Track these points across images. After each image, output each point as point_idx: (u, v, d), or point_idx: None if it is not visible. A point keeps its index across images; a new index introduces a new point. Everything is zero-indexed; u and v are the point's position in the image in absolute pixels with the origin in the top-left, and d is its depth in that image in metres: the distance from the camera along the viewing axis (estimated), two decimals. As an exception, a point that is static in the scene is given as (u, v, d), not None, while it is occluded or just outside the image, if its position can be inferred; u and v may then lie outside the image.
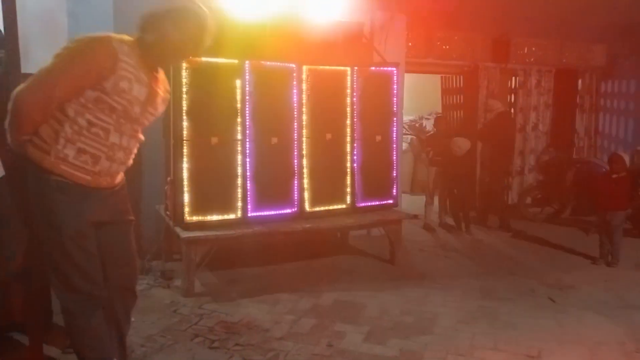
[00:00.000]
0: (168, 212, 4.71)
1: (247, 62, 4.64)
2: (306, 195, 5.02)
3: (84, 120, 2.35)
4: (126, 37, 2.45)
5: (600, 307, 4.31)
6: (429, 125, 10.15)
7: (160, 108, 2.68)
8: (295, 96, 4.91)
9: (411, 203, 7.59)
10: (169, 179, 4.62)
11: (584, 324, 3.97)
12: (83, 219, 2.44)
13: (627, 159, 5.90)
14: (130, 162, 2.63)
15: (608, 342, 3.67)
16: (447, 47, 7.80)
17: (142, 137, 2.66)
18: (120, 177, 2.64)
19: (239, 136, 4.65)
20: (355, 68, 5.19)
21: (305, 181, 5.02)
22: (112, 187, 2.57)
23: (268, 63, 4.78)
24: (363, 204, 5.32)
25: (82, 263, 2.45)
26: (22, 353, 3.00)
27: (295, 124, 4.93)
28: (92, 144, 2.39)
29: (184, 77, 4.36)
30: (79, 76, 2.30)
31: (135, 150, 2.64)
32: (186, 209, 4.45)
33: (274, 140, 4.84)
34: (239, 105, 4.64)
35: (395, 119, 5.53)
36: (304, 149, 5.00)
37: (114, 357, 2.68)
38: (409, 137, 9.88)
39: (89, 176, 2.42)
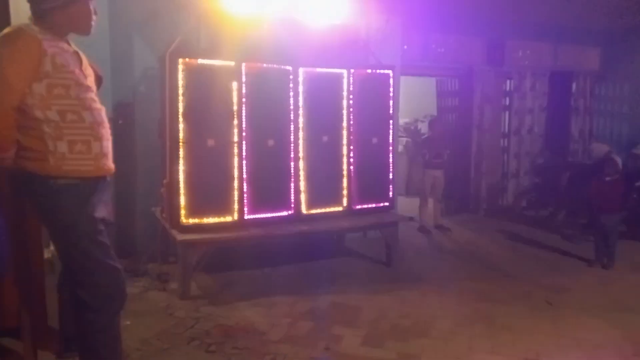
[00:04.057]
0: (164, 215, 4.68)
1: (243, 64, 4.63)
2: (302, 197, 5.01)
3: (54, 114, 2.38)
4: (29, 24, 2.45)
5: (597, 310, 4.31)
6: (424, 127, 10.16)
7: (91, 70, 2.67)
8: (291, 98, 4.90)
9: (406, 205, 7.57)
10: (165, 181, 4.59)
11: (581, 327, 3.97)
12: (94, 214, 2.49)
13: (620, 161, 5.93)
14: (110, 135, 2.65)
15: (605, 345, 3.67)
16: (443, 50, 7.83)
17: (103, 107, 2.66)
18: (112, 165, 2.66)
19: (236, 138, 4.64)
20: (352, 71, 5.19)
21: (302, 183, 5.00)
22: (110, 172, 2.63)
23: (264, 65, 4.77)
24: (359, 207, 5.31)
25: (102, 257, 2.51)
26: (16, 358, 2.96)
27: (292, 126, 4.92)
28: (76, 131, 2.44)
29: (180, 79, 4.34)
30: (24, 74, 2.31)
31: (107, 121, 2.65)
32: (182, 212, 4.42)
33: (271, 142, 4.83)
34: (235, 108, 4.62)
35: (391, 121, 5.53)
36: (301, 152, 4.99)
37: None
38: (404, 139, 9.89)
39: (91, 165, 2.48)
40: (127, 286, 2.77)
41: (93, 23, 2.57)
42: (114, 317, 2.59)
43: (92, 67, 2.70)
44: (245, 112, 4.66)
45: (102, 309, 2.52)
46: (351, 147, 5.23)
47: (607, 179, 5.57)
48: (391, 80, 5.46)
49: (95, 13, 2.56)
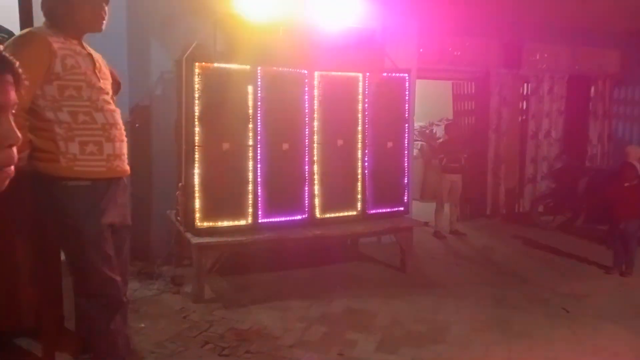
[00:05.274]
0: (179, 218, 4.70)
1: (259, 68, 4.64)
2: (317, 201, 5.00)
3: (66, 115, 2.40)
4: (42, 27, 2.48)
5: (615, 317, 4.24)
6: (439, 131, 10.11)
7: (107, 72, 2.68)
8: (306, 102, 4.90)
9: (421, 210, 7.52)
10: (180, 184, 4.62)
11: (600, 334, 3.91)
12: (101, 221, 2.48)
13: (639, 166, 5.82)
14: (125, 137, 2.65)
15: (624, 353, 3.61)
16: (459, 53, 7.77)
17: (117, 108, 2.66)
18: (127, 166, 2.66)
19: (251, 142, 4.65)
20: (367, 74, 5.18)
21: (316, 187, 5.00)
22: (124, 174, 2.62)
23: (280, 69, 4.79)
24: (374, 211, 5.28)
25: (102, 266, 2.49)
26: (34, 359, 2.99)
27: (307, 130, 4.92)
28: (87, 132, 2.44)
29: (196, 82, 4.37)
30: (34, 76, 2.31)
31: (121, 123, 2.65)
32: (197, 215, 4.44)
33: (285, 146, 4.83)
34: (250, 111, 4.64)
35: (407, 125, 5.50)
36: (315, 155, 4.98)
37: None
38: (419, 143, 9.83)
39: (103, 166, 2.48)
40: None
41: (102, 20, 2.55)
42: (110, 324, 2.56)
43: (110, 72, 2.72)
44: (261, 116, 4.67)
45: (96, 316, 2.52)
46: (366, 151, 5.22)
47: (626, 184, 5.48)
48: (407, 84, 5.44)
49: (104, 11, 2.55)
